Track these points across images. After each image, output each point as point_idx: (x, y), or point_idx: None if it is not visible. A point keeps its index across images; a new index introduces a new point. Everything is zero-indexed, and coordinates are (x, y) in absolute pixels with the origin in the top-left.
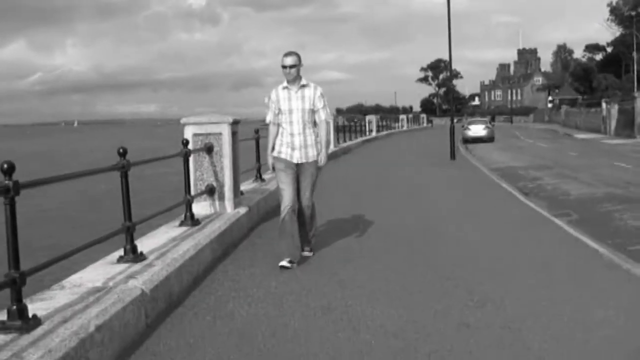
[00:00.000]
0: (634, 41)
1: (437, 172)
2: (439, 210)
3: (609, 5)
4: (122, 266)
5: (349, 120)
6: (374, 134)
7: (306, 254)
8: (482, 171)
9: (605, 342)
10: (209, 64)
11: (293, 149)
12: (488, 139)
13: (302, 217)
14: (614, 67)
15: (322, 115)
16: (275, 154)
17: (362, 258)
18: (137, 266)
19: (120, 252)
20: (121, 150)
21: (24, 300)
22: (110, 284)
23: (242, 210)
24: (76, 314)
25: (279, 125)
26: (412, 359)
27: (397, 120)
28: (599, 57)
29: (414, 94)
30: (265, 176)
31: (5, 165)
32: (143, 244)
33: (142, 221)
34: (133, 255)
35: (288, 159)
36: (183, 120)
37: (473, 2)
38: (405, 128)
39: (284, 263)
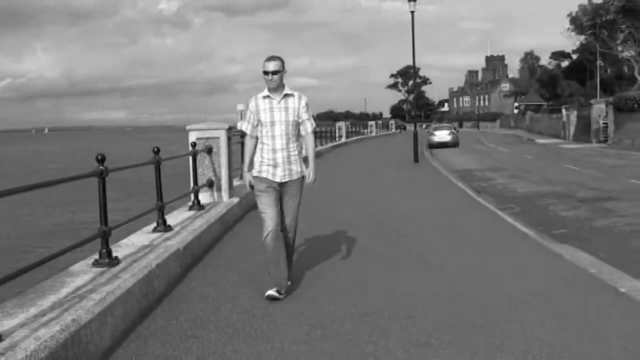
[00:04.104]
0: (597, 50)
1: (399, 173)
2: (397, 205)
3: (569, 15)
4: (157, 234)
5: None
6: (343, 139)
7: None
8: (442, 173)
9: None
10: (179, 69)
11: (275, 166)
12: (453, 144)
13: (284, 244)
14: (578, 74)
15: (309, 128)
16: (255, 173)
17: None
18: (168, 234)
19: (154, 224)
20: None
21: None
22: (154, 243)
23: (235, 199)
24: (141, 257)
25: (257, 138)
26: None
27: (366, 126)
28: (565, 64)
29: (384, 100)
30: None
31: None
32: (169, 220)
33: (168, 202)
34: (164, 226)
35: (270, 178)
36: (188, 127)
37: (443, 9)
38: (374, 134)
39: (272, 293)
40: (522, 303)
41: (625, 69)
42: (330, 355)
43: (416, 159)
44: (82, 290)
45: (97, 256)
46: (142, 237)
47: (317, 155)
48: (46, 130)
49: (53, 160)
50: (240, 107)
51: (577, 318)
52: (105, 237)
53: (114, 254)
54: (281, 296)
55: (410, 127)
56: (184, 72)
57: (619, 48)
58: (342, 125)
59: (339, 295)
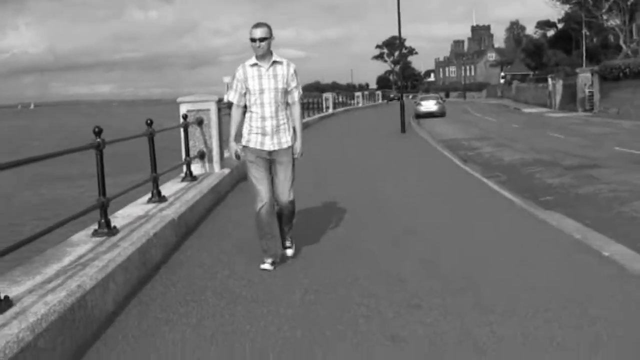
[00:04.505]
0: (582, 19)
1: (386, 143)
2: (384, 176)
3: None
4: (152, 205)
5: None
6: (330, 110)
7: (289, 252)
8: (429, 142)
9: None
10: (164, 43)
11: (264, 134)
12: (439, 114)
13: (281, 216)
14: (564, 43)
15: (296, 96)
16: (243, 142)
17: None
18: (162, 204)
19: (148, 196)
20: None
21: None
22: (150, 213)
23: (226, 170)
24: (138, 227)
25: (244, 108)
26: None
27: (353, 97)
28: (550, 33)
29: (371, 71)
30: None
31: None
32: (163, 191)
33: (162, 173)
34: (159, 197)
35: (258, 147)
36: (179, 100)
37: None
38: (361, 105)
39: (266, 266)
40: (507, 268)
41: (611, 37)
42: (324, 317)
43: (403, 129)
44: (84, 259)
45: (96, 226)
46: (138, 208)
47: (305, 126)
48: (32, 106)
49: (38, 136)
50: (226, 79)
51: (561, 281)
52: (104, 208)
53: (112, 224)
54: (275, 265)
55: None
56: (169, 46)
57: (604, 17)
58: (329, 96)
59: (331, 262)
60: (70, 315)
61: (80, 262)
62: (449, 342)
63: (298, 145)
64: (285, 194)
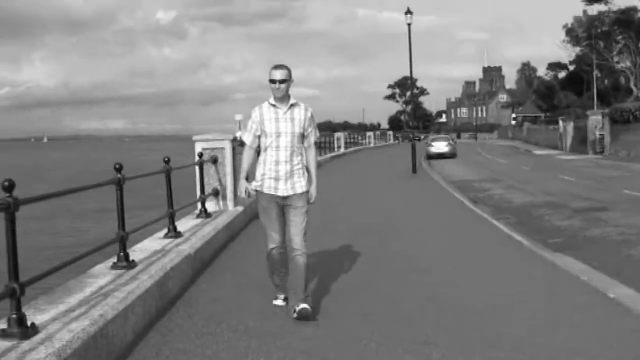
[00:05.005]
0: (593, 61)
1: (397, 184)
2: (396, 215)
3: (565, 27)
4: (169, 240)
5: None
6: (342, 150)
7: (305, 307)
8: (440, 184)
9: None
10: (177, 79)
11: (277, 179)
12: (451, 155)
13: (294, 268)
14: (576, 86)
15: (312, 140)
16: (257, 188)
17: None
18: (179, 240)
19: (164, 231)
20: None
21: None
22: (167, 248)
23: (240, 208)
24: (156, 261)
25: (257, 150)
26: None
27: (365, 137)
28: (562, 75)
29: (383, 111)
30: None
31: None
32: (178, 227)
33: (179, 210)
34: (175, 232)
35: (272, 193)
36: (194, 138)
37: (440, 19)
38: (372, 145)
39: (279, 302)
40: (515, 307)
41: (622, 80)
42: (334, 350)
43: (414, 170)
44: (105, 290)
45: (115, 260)
46: (155, 242)
47: (317, 166)
48: (45, 140)
49: (55, 169)
50: (238, 117)
51: (568, 320)
52: (123, 242)
53: (130, 258)
54: (285, 303)
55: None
56: (182, 82)
57: (616, 59)
58: (341, 136)
59: (343, 298)
60: (93, 343)
61: (101, 293)
62: None
63: (313, 191)
64: (298, 239)
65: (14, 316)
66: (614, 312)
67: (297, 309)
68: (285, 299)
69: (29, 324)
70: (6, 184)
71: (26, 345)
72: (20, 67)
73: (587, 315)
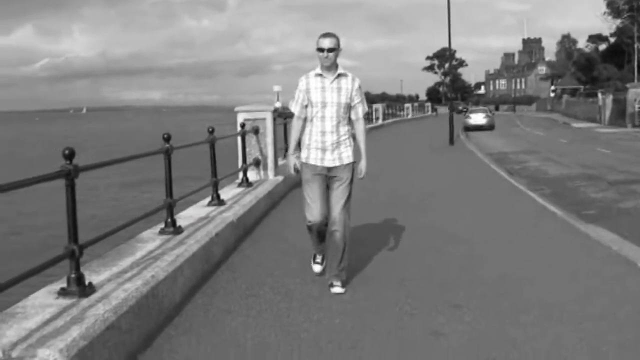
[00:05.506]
0: (634, 33)
1: (435, 155)
2: (433, 185)
3: None
4: (212, 207)
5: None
6: (380, 121)
7: (337, 290)
8: (477, 155)
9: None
10: (215, 50)
11: (324, 150)
12: (488, 127)
13: (332, 243)
14: (616, 58)
15: (360, 112)
16: (302, 159)
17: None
18: (222, 207)
19: (208, 199)
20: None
21: (174, 216)
22: (211, 215)
23: (280, 177)
24: (201, 227)
25: (305, 119)
26: None
27: (402, 108)
28: (602, 47)
29: (421, 82)
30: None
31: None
32: (221, 195)
33: (223, 177)
34: (218, 200)
35: (318, 164)
36: (236, 109)
37: None
38: (410, 116)
39: (317, 268)
40: (546, 277)
41: None
42: (371, 312)
43: (452, 142)
44: (154, 253)
45: (162, 225)
46: (199, 210)
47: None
48: (84, 110)
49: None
50: (276, 88)
51: (596, 287)
52: (170, 208)
53: (177, 224)
54: (323, 266)
55: (442, 110)
56: (220, 53)
57: None
58: (379, 107)
59: (380, 264)
60: (145, 301)
61: (151, 256)
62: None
63: (363, 165)
64: (337, 213)
65: (73, 275)
66: None
67: (331, 288)
68: (323, 259)
69: (86, 283)
70: (67, 152)
71: (85, 302)
72: (60, 39)
73: (616, 284)
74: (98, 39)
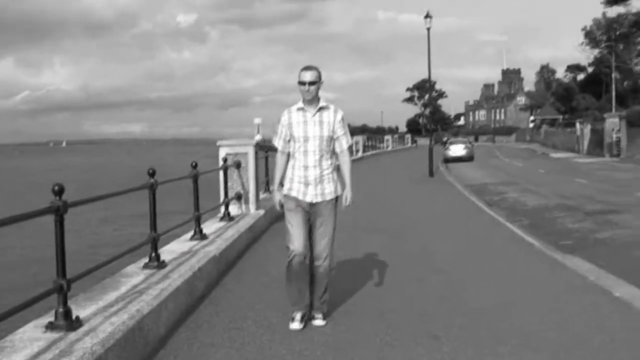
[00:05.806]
0: (612, 63)
1: (415, 187)
2: (413, 217)
3: (584, 29)
4: (195, 242)
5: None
6: (360, 154)
7: (319, 322)
8: (456, 187)
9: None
10: (196, 83)
11: (307, 184)
12: (468, 158)
13: (313, 275)
14: (594, 87)
15: (344, 144)
16: (285, 191)
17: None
18: (204, 242)
19: (190, 233)
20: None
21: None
22: (193, 249)
23: (262, 211)
24: (184, 261)
25: (288, 154)
26: None
27: (383, 140)
28: (580, 77)
29: (401, 114)
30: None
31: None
32: (203, 230)
33: (205, 212)
34: (201, 235)
35: (300, 197)
36: (218, 143)
37: (460, 20)
38: (390, 148)
39: (295, 325)
40: (523, 306)
41: None
42: (352, 343)
43: (431, 174)
44: (139, 288)
45: (146, 260)
46: (182, 244)
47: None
48: (64, 144)
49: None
50: (257, 120)
51: (574, 318)
52: (154, 243)
53: (161, 258)
54: (304, 320)
55: (422, 141)
56: (201, 86)
57: (634, 61)
58: (359, 139)
59: (361, 296)
60: (132, 335)
61: (136, 290)
62: None
63: (348, 193)
64: (321, 249)
65: (61, 310)
66: (617, 309)
67: (313, 321)
68: (302, 317)
69: (73, 317)
70: (56, 188)
71: (73, 336)
72: (40, 71)
73: (592, 313)
74: (79, 71)
